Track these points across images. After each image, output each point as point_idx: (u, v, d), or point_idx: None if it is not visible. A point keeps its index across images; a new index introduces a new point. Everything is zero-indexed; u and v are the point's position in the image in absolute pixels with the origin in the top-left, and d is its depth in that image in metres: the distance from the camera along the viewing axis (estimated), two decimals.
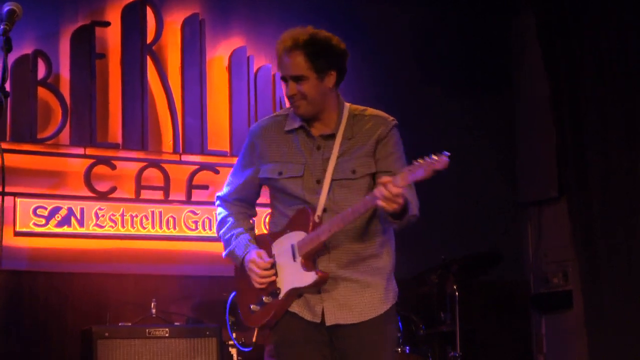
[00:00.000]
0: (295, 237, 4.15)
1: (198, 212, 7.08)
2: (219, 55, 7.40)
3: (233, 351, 6.28)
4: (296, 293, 4.16)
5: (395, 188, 3.84)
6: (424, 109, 7.72)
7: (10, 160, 6.49)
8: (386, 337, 4.27)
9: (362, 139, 4.21)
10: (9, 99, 6.45)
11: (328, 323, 4.13)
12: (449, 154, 3.80)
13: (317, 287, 4.12)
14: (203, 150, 7.21)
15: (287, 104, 6.95)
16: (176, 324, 6.43)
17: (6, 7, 3.62)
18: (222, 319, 6.47)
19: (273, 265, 4.19)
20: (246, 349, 6.22)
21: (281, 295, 4.17)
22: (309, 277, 4.10)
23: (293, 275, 4.15)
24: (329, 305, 4.14)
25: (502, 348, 7.65)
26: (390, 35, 7.78)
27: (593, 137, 7.43)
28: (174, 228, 7.01)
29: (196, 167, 7.15)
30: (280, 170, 4.23)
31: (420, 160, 3.84)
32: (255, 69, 7.42)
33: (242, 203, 4.43)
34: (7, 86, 6.42)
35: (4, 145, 6.48)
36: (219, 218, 4.43)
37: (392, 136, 4.25)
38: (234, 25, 7.48)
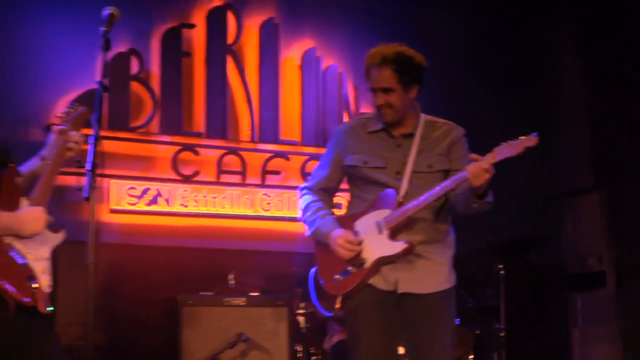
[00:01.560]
0: (381, 214, 4.24)
1: (271, 194, 7.07)
2: (291, 55, 7.37)
3: (301, 319, 6.25)
4: (382, 262, 4.22)
5: (487, 164, 3.96)
6: (469, 105, 7.59)
7: (107, 146, 6.45)
8: (447, 310, 4.31)
9: (437, 139, 4.34)
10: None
11: (400, 291, 4.20)
12: (536, 133, 3.95)
13: (404, 256, 4.20)
14: (276, 140, 7.20)
15: (352, 102, 7.01)
16: (251, 294, 6.42)
17: (106, 11, 3.72)
18: (292, 290, 6.46)
19: (360, 242, 4.24)
20: (329, 314, 6.18)
21: (367, 264, 4.23)
22: (398, 246, 4.18)
23: (380, 247, 4.23)
24: (402, 276, 4.21)
25: (542, 322, 7.58)
26: (440, 41, 7.67)
27: (629, 130, 7.36)
28: (250, 208, 7.02)
29: (270, 154, 7.15)
30: (364, 160, 4.33)
31: (511, 141, 4.00)
32: (323, 68, 7.38)
33: (324, 193, 4.51)
34: (106, 81, 6.58)
35: (102, 133, 6.51)
36: (304, 204, 4.51)
37: (464, 142, 4.40)
38: (305, 29, 7.45)
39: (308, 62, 7.35)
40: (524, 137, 3.98)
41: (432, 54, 7.59)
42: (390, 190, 4.24)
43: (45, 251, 3.75)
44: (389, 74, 4.21)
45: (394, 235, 4.20)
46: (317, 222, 4.38)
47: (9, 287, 3.51)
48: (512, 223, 7.24)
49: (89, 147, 3.69)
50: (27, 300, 3.55)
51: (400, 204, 4.19)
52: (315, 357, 6.17)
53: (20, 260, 3.62)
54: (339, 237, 4.27)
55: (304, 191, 4.54)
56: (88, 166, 3.64)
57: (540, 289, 7.71)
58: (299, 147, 7.23)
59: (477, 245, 6.53)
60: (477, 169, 3.97)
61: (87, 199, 3.48)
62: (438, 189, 4.13)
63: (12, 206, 3.69)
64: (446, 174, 4.28)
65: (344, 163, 4.40)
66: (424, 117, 4.38)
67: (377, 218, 4.24)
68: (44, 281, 3.66)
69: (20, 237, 3.65)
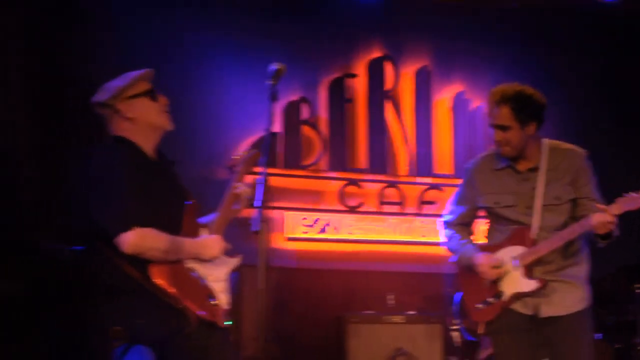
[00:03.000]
0: (515, 250, 4.15)
1: (427, 222, 7.06)
2: (443, 98, 7.36)
3: (455, 334, 6.19)
4: (518, 297, 4.15)
5: (611, 217, 3.85)
6: (594, 134, 7.37)
7: (281, 182, 6.70)
8: (585, 328, 4.19)
9: (562, 170, 4.17)
10: (282, 134, 6.79)
11: (542, 315, 4.10)
12: None
13: (537, 293, 4.11)
14: (430, 173, 7.18)
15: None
16: (408, 312, 6.41)
17: (273, 67, 3.67)
18: (446, 309, 6.40)
19: (500, 266, 4.19)
20: (472, 338, 6.13)
21: (505, 298, 4.17)
22: (532, 284, 4.10)
23: (516, 282, 4.15)
24: (542, 301, 4.11)
25: None
26: (580, 86, 7.49)
27: None
28: (408, 235, 7.03)
29: (425, 186, 7.14)
30: (496, 200, 4.23)
31: (633, 194, 3.87)
32: (472, 108, 7.33)
33: (463, 226, 4.45)
34: (278, 126, 6.77)
35: (277, 171, 6.71)
36: (447, 238, 4.46)
37: (587, 167, 4.21)
38: (455, 74, 7.42)
39: (458, 104, 7.32)
40: None
41: (571, 99, 7.49)
42: (523, 228, 4.13)
43: (223, 273, 3.80)
44: (506, 112, 4.05)
45: (528, 272, 4.11)
46: (461, 250, 4.36)
47: (192, 305, 3.58)
48: None
49: (259, 186, 3.63)
50: (206, 315, 3.61)
51: (534, 242, 4.10)
52: None
53: (201, 282, 3.72)
54: (481, 262, 4.24)
55: (445, 226, 4.51)
56: (257, 203, 3.71)
57: None
58: (451, 179, 7.16)
59: (614, 265, 6.32)
60: (602, 221, 3.86)
61: (257, 232, 3.45)
62: (567, 232, 4.01)
63: (194, 234, 3.82)
64: (574, 202, 4.16)
65: (477, 204, 4.32)
66: (547, 144, 4.21)
67: (512, 253, 4.15)
68: (222, 299, 3.71)
69: (201, 260, 3.76)
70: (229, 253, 3.87)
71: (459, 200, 4.44)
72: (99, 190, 3.61)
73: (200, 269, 3.74)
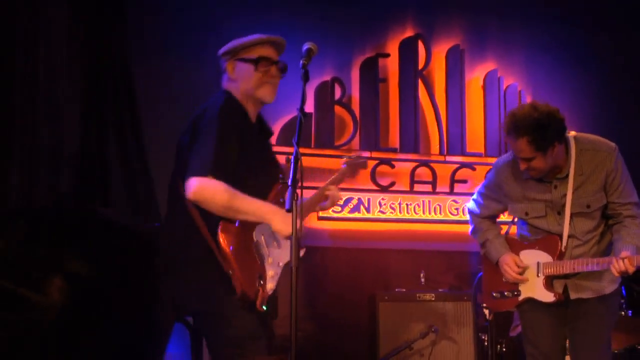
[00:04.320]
0: (543, 257, 4.20)
1: (459, 201, 7.10)
2: (475, 76, 7.37)
3: (486, 311, 6.23)
4: (532, 301, 4.24)
5: (631, 267, 3.88)
6: (630, 116, 7.32)
7: (314, 162, 6.75)
8: (613, 309, 4.28)
9: (592, 174, 4.12)
10: (313, 115, 6.83)
11: (572, 297, 4.18)
12: None
13: (551, 304, 4.17)
14: (463, 152, 7.20)
15: None
16: (440, 290, 6.46)
17: (305, 46, 3.68)
18: (477, 287, 6.44)
19: (523, 271, 4.22)
20: (486, 323, 6.17)
21: (521, 298, 4.28)
22: (549, 296, 4.18)
23: (534, 288, 4.22)
24: (572, 284, 4.18)
25: None
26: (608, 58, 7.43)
27: None
28: (440, 214, 7.07)
29: (457, 165, 7.16)
30: (526, 210, 4.24)
31: None
32: (504, 87, 7.33)
33: (489, 220, 4.52)
34: (310, 107, 6.79)
35: (309, 151, 6.76)
36: (472, 227, 4.51)
37: (618, 167, 4.14)
38: (487, 53, 7.42)
39: (490, 82, 7.32)
40: None
41: (606, 78, 7.43)
42: (554, 237, 4.16)
43: (281, 260, 3.79)
44: (525, 145, 3.98)
45: (548, 282, 4.16)
46: (487, 244, 4.39)
47: (240, 277, 3.57)
48: None
49: (291, 165, 3.56)
50: (249, 293, 3.60)
51: (561, 254, 4.13)
52: (500, 345, 6.14)
53: (259, 260, 3.69)
54: (506, 262, 4.27)
55: (470, 214, 4.55)
56: (289, 182, 3.65)
57: None
58: (483, 158, 7.20)
59: None
60: (621, 270, 3.90)
61: (289, 210, 3.39)
62: (593, 264, 4.02)
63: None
64: (605, 207, 4.15)
65: (508, 210, 4.34)
66: (574, 145, 4.13)
67: (539, 259, 4.20)
68: (269, 284, 3.70)
69: (269, 240, 3.74)
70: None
71: (488, 196, 4.46)
72: (201, 138, 3.64)
73: (264, 248, 3.75)
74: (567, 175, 4.13)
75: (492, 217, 4.52)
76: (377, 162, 6.96)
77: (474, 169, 7.14)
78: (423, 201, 7.05)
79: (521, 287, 4.24)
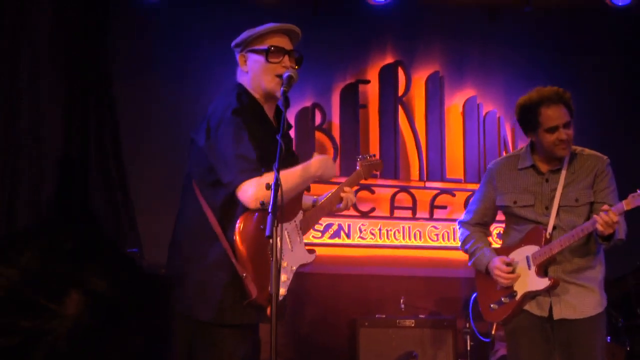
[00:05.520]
0: (530, 250, 4.21)
1: (438, 226, 7.12)
2: (454, 103, 7.42)
3: (466, 338, 6.25)
4: (530, 295, 4.21)
5: (615, 216, 3.88)
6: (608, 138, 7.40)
7: None
8: (599, 332, 4.25)
9: (583, 173, 4.23)
10: (293, 140, 6.82)
11: (556, 317, 4.16)
12: None
13: (548, 291, 4.16)
14: (442, 178, 7.24)
15: (510, 142, 6.87)
16: (420, 316, 6.47)
17: (286, 73, 3.60)
18: (457, 312, 6.46)
19: (513, 270, 4.23)
20: (486, 339, 6.18)
21: (518, 297, 4.22)
22: (543, 283, 4.15)
23: (529, 281, 4.20)
24: (556, 303, 4.16)
25: None
26: (587, 85, 7.51)
27: None
28: (420, 239, 7.09)
29: (437, 191, 7.20)
30: (514, 199, 4.28)
31: None
32: (484, 114, 7.39)
33: (480, 226, 4.51)
34: (291, 132, 6.78)
35: None
36: (462, 238, 4.51)
37: (608, 173, 4.25)
38: (466, 80, 7.49)
39: (469, 109, 7.38)
40: None
41: (581, 98, 7.52)
42: (538, 227, 4.19)
43: (295, 264, 3.74)
44: (564, 110, 4.14)
45: (540, 270, 4.16)
46: (477, 253, 4.41)
47: (255, 280, 3.46)
48: None
49: (271, 192, 3.37)
50: (260, 298, 3.47)
51: (547, 241, 4.14)
52: None
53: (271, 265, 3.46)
54: (495, 267, 4.28)
55: (459, 225, 4.58)
56: (269, 208, 3.53)
57: None
58: (463, 184, 7.25)
59: (628, 268, 6.35)
60: (606, 221, 3.89)
61: (269, 237, 3.26)
62: (578, 230, 4.04)
63: (293, 212, 3.74)
64: (592, 205, 4.20)
65: (496, 203, 4.38)
66: (571, 148, 4.26)
67: (527, 253, 4.21)
68: (281, 290, 3.59)
69: (286, 242, 3.66)
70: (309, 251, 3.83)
71: (478, 198, 4.51)
72: (215, 139, 3.54)
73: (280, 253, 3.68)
74: (559, 169, 4.21)
75: (483, 225, 4.53)
76: (357, 187, 6.97)
77: (453, 195, 7.18)
78: (403, 227, 7.06)
79: (516, 287, 4.25)
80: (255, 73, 3.73)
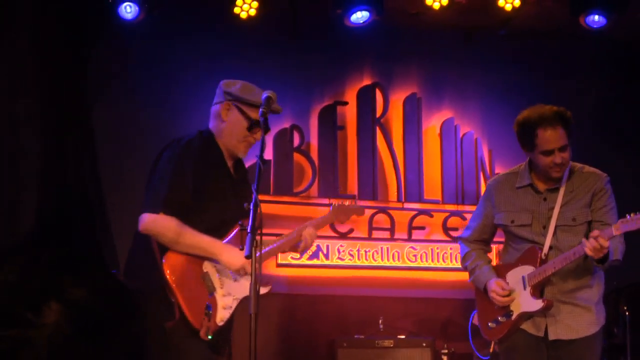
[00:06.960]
0: (525, 270, 4.21)
1: (417, 247, 7.13)
2: (432, 125, 7.46)
3: (444, 358, 6.26)
4: (526, 316, 4.21)
5: (605, 241, 3.85)
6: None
7: (273, 208, 6.77)
8: (594, 352, 4.23)
9: (581, 192, 4.20)
10: (272, 162, 6.86)
11: (551, 338, 4.15)
12: None
13: (543, 312, 4.16)
14: (420, 199, 7.26)
15: (487, 164, 6.87)
16: (399, 336, 6.46)
17: (264, 94, 3.69)
18: (436, 333, 6.46)
19: (510, 293, 4.24)
20: (485, 358, 6.16)
21: (514, 317, 4.24)
22: (537, 304, 4.15)
23: (524, 302, 4.21)
24: (551, 322, 4.17)
25: None
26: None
27: None
28: (398, 260, 7.10)
29: (415, 212, 7.21)
30: (512, 218, 4.27)
31: (632, 215, 3.88)
32: (461, 135, 7.43)
33: (479, 243, 4.51)
34: (269, 154, 6.81)
35: (269, 198, 6.78)
36: (462, 254, 4.52)
37: (607, 191, 4.22)
38: (444, 101, 7.53)
39: (447, 130, 7.43)
40: None
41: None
42: (534, 248, 4.18)
43: (237, 292, 3.80)
44: (562, 132, 4.07)
45: (535, 291, 4.16)
46: (476, 271, 4.41)
47: (182, 303, 3.66)
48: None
49: (250, 212, 3.52)
50: (192, 320, 3.67)
51: (543, 262, 4.14)
52: None
53: (208, 289, 3.76)
54: (492, 289, 4.28)
55: (460, 242, 4.58)
56: (248, 229, 3.53)
57: None
58: (440, 205, 7.27)
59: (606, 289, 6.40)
60: (595, 247, 3.86)
61: (248, 257, 3.39)
62: (571, 253, 4.02)
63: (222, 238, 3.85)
64: (590, 224, 4.18)
65: (494, 221, 4.37)
66: (570, 166, 4.23)
67: (523, 273, 4.21)
68: (220, 315, 3.73)
69: (225, 273, 3.79)
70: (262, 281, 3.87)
71: (477, 215, 4.49)
72: (159, 171, 3.77)
73: (216, 280, 3.79)
74: (557, 188, 4.19)
75: (483, 242, 4.53)
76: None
77: (431, 216, 7.20)
78: (381, 247, 7.08)
79: (512, 307, 4.26)
80: (232, 130, 3.91)
